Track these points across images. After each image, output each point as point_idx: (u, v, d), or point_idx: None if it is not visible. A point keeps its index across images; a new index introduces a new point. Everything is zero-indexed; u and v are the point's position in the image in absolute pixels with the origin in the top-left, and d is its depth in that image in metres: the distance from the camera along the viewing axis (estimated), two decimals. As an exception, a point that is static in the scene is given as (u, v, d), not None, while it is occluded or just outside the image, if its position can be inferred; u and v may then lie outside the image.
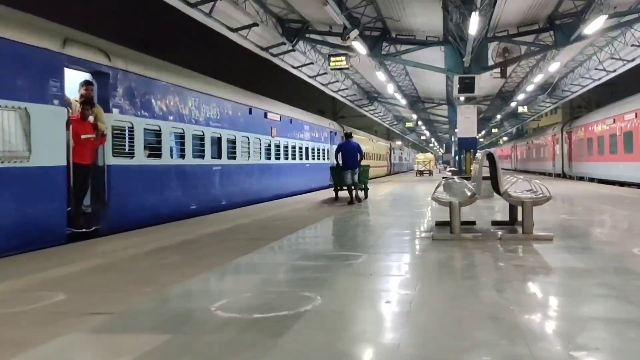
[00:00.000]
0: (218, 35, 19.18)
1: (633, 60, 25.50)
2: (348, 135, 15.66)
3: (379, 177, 39.76)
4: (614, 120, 23.31)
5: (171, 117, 11.91)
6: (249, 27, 18.89)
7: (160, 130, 11.39)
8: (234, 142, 15.16)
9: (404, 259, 6.44)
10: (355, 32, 17.44)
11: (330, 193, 17.04)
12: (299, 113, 23.23)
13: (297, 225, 9.76)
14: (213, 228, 9.51)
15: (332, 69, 23.69)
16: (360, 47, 19.06)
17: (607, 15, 16.26)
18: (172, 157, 11.97)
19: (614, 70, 27.99)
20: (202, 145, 13.21)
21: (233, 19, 18.17)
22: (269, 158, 18.27)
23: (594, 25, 16.65)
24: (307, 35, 20.72)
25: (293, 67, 25.56)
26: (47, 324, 3.90)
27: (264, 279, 5.35)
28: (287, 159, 20.40)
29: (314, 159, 24.51)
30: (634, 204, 12.84)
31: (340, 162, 14.82)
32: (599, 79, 30.58)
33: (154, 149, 11.30)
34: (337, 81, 31.25)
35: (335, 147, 21.87)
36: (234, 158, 15.17)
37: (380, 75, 26.22)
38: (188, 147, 12.53)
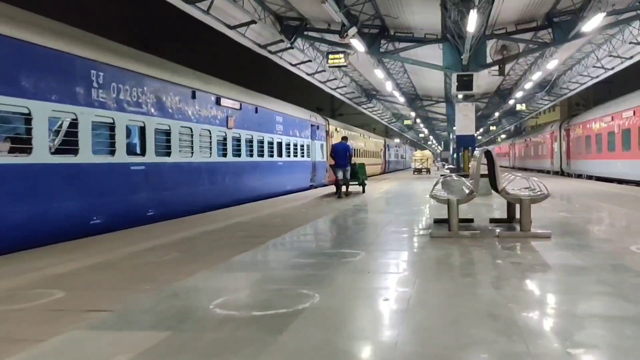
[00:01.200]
0: (216, 33, 19.17)
1: (631, 57, 25.54)
2: (344, 138, 17.77)
3: (372, 176, 37.95)
4: (612, 117, 23.34)
5: (53, 96, 8.58)
6: (247, 24, 18.87)
7: (30, 114, 8.03)
8: (167, 133, 12.04)
9: (402, 257, 6.45)
10: (353, 30, 17.44)
11: (323, 190, 20.56)
12: (268, 101, 19.34)
13: (295, 222, 9.77)
14: (211, 226, 9.52)
15: (330, 67, 23.63)
16: (358, 44, 19.06)
17: (605, 13, 16.27)
18: (51, 151, 8.57)
19: (612, 68, 28.03)
20: (113, 137, 10.11)
21: (231, 16, 18.15)
22: (225, 155, 15.02)
23: (592, 22, 16.66)
24: (305, 32, 20.70)
25: (291, 64, 25.54)
26: (47, 321, 3.90)
27: (262, 276, 5.35)
28: (250, 155, 17.03)
29: (289, 156, 20.99)
30: (632, 201, 12.87)
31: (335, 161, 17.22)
32: (597, 76, 30.62)
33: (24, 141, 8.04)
34: (336, 79, 31.24)
35: (318, 142, 22.66)
36: (168, 155, 12.06)
37: (379, 73, 26.21)
38: (85, 138, 9.23)
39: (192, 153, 13.17)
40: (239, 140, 16.06)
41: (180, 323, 3.80)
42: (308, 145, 23.68)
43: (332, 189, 18.32)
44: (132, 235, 8.56)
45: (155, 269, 5.75)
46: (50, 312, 4.16)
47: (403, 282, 4.96)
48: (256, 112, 17.64)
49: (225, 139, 15.08)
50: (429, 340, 3.38)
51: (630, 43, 23.34)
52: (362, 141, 38.03)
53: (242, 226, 9.52)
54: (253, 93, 18.17)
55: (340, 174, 16.57)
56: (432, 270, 5.55)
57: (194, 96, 13.28)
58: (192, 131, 13.10)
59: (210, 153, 14.14)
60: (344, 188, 16.78)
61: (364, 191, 18.21)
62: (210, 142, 14.12)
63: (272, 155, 18.93)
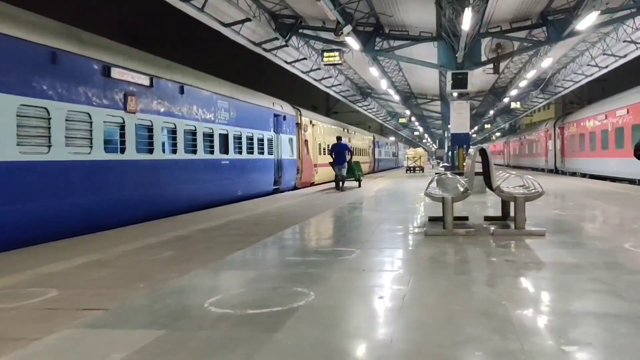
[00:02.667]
0: (211, 31, 19.13)
1: (625, 56, 25.68)
2: (338, 138, 19.72)
3: None
4: (606, 116, 23.44)
5: None
6: (241, 22, 18.86)
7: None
8: None
9: (397, 255, 6.46)
10: (348, 28, 17.46)
11: (321, 187, 20.97)
12: (204, 80, 14.73)
13: (289, 220, 9.77)
14: (205, 224, 9.50)
15: (325, 65, 23.71)
16: (353, 42, 19.08)
17: (599, 12, 16.34)
18: None
19: (606, 66, 28.19)
20: None
21: (225, 14, 18.13)
22: (123, 150, 10.88)
23: (587, 21, 16.73)
24: (300, 30, 20.72)
25: (286, 62, 25.56)
26: (42, 319, 3.89)
27: (257, 274, 5.35)
28: (174, 152, 12.72)
29: (240, 152, 16.44)
30: (625, 199, 12.93)
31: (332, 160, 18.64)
32: (591, 74, 30.78)
33: None
34: (331, 77, 31.28)
35: (285, 136, 20.33)
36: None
37: (374, 71, 26.24)
38: None
39: (50, 147, 8.79)
40: (149, 129, 11.70)
41: (175, 321, 3.79)
42: (270, 140, 19.09)
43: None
44: (126, 233, 8.54)
45: (150, 267, 5.73)
46: (45, 310, 4.15)
47: (398, 280, 4.97)
48: (181, 92, 13.09)
49: (122, 126, 10.87)
50: (423, 337, 3.38)
51: (624, 41, 23.48)
52: (345, 137, 34.94)
53: (237, 224, 9.51)
54: (177, 66, 13.60)
55: (338, 171, 18.73)
56: (427, 268, 5.56)
57: (54, 60, 8.98)
58: (49, 113, 8.78)
59: (91, 147, 9.86)
60: (342, 183, 18.85)
61: (359, 186, 20.53)
62: (92, 130, 9.90)
63: (211, 152, 14.52)
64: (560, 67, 31.60)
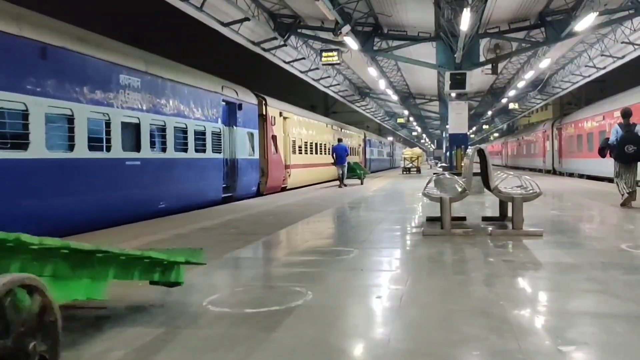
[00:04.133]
0: (210, 30, 19.13)
1: (623, 57, 25.71)
2: (339, 140, 21.83)
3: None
4: (604, 117, 23.47)
5: None
6: (240, 21, 18.84)
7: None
8: None
9: (395, 254, 6.47)
10: (347, 28, 17.46)
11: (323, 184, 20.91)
12: (91, 44, 10.18)
13: (288, 220, 9.78)
14: (204, 223, 9.51)
15: (323, 64, 23.69)
16: (352, 42, 19.07)
17: (597, 13, 16.37)
18: None
19: (604, 67, 28.20)
20: None
21: (224, 13, 18.12)
22: None
23: (585, 22, 16.75)
24: (299, 30, 20.71)
25: (285, 62, 25.52)
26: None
27: (255, 273, 5.36)
28: (23, 147, 8.17)
29: (163, 149, 12.21)
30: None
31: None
32: (589, 75, 30.81)
33: None
34: (329, 76, 31.25)
35: (241, 130, 16.18)
36: None
37: (372, 71, 26.24)
38: None
39: None
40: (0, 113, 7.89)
41: (173, 320, 3.80)
42: (218, 134, 14.72)
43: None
44: (124, 231, 8.54)
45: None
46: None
47: (396, 280, 4.98)
48: (43, 56, 8.71)
49: None
50: (421, 337, 3.40)
51: (622, 42, 23.50)
52: (327, 133, 30.17)
53: (236, 223, 9.52)
54: (33, 15, 9.19)
55: (339, 170, 20.98)
56: (425, 268, 5.57)
57: None
58: None
59: None
60: (343, 180, 20.93)
61: (362, 183, 22.70)
62: None
63: (108, 148, 10.22)
64: (558, 68, 31.64)
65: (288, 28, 20.24)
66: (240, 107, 16.40)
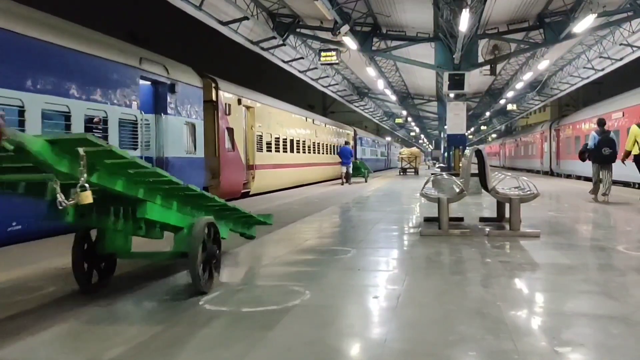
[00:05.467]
0: (209, 29, 19.11)
1: (621, 59, 25.76)
2: (346, 143, 24.83)
3: (329, 181, 27.22)
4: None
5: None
6: (239, 20, 18.84)
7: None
8: None
9: (393, 254, 6.47)
10: (345, 28, 17.45)
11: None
12: None
13: (286, 219, 9.77)
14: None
15: (322, 64, 23.71)
16: (350, 42, 19.07)
17: (596, 14, 16.40)
18: None
19: (602, 69, 28.26)
20: None
21: (223, 12, 18.11)
22: None
23: (583, 23, 16.79)
24: (297, 29, 20.70)
25: (283, 61, 25.51)
26: (40, 314, 3.88)
27: (253, 273, 5.36)
28: None
29: None
30: (619, 202, 12.97)
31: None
32: (587, 77, 30.86)
33: None
34: (328, 76, 31.24)
35: (177, 120, 12.51)
36: None
37: (371, 71, 26.25)
38: None
39: None
40: None
41: (170, 319, 3.80)
42: (131, 122, 11.14)
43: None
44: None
45: (146, 263, 5.72)
46: (43, 306, 4.14)
47: (393, 280, 4.98)
48: None
49: None
50: (417, 337, 3.40)
51: (621, 45, 23.55)
52: (307, 128, 26.43)
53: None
54: None
55: (345, 169, 23.51)
56: (422, 268, 5.57)
57: None
58: None
59: None
60: (348, 178, 23.43)
61: (366, 181, 25.06)
62: None
63: None
64: (556, 69, 31.69)
65: (287, 27, 20.24)
66: (172, 88, 12.63)
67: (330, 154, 30.59)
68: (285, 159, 22.32)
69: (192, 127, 13.70)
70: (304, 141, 25.59)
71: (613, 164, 12.80)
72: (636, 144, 11.74)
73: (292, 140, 23.57)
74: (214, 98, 15.16)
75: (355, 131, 40.38)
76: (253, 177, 17.92)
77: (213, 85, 15.24)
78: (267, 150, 19.97)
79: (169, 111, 12.53)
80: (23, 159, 3.01)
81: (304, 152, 25.45)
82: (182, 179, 4.25)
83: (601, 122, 13.24)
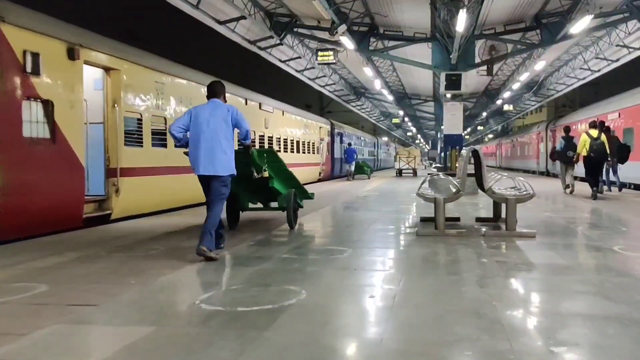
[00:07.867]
0: (206, 28, 19.07)
1: (617, 60, 25.79)
2: (349, 144, 29.93)
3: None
4: (598, 119, 23.53)
5: None
6: (236, 19, 18.80)
7: None
8: None
9: (389, 254, 6.47)
10: (343, 27, 17.44)
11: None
12: None
13: (283, 219, 9.75)
14: (198, 220, 9.46)
15: (319, 64, 23.67)
16: (348, 42, 19.07)
17: (592, 15, 16.43)
18: None
19: (599, 70, 28.29)
20: None
21: (221, 11, 18.08)
22: None
23: (580, 24, 16.81)
24: (295, 29, 20.67)
25: (280, 60, 25.48)
26: (31, 315, 3.87)
27: (249, 272, 5.35)
28: None
29: None
30: (616, 202, 13.01)
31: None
32: (584, 78, 30.91)
33: None
34: (325, 76, 31.21)
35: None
36: None
37: (368, 71, 26.24)
38: None
39: None
40: None
41: (165, 318, 3.79)
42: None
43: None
44: (119, 229, 8.51)
45: (141, 263, 5.71)
46: (35, 305, 4.13)
47: (389, 280, 4.98)
48: None
49: None
50: (413, 337, 3.40)
51: (617, 46, 23.59)
52: (253, 116, 17.90)
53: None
54: None
55: (348, 167, 28.08)
56: (418, 268, 5.57)
57: None
58: None
59: None
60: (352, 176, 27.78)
61: (369, 177, 29.32)
62: None
63: None
64: (553, 70, 31.73)
65: (284, 27, 20.21)
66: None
67: (292, 152, 23.82)
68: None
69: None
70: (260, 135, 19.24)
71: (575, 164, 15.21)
72: (584, 149, 13.94)
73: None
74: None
75: (332, 125, 33.81)
76: (117, 190, 10.53)
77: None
78: (154, 145, 12.15)
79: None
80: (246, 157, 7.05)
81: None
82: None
83: (567, 129, 16.15)
